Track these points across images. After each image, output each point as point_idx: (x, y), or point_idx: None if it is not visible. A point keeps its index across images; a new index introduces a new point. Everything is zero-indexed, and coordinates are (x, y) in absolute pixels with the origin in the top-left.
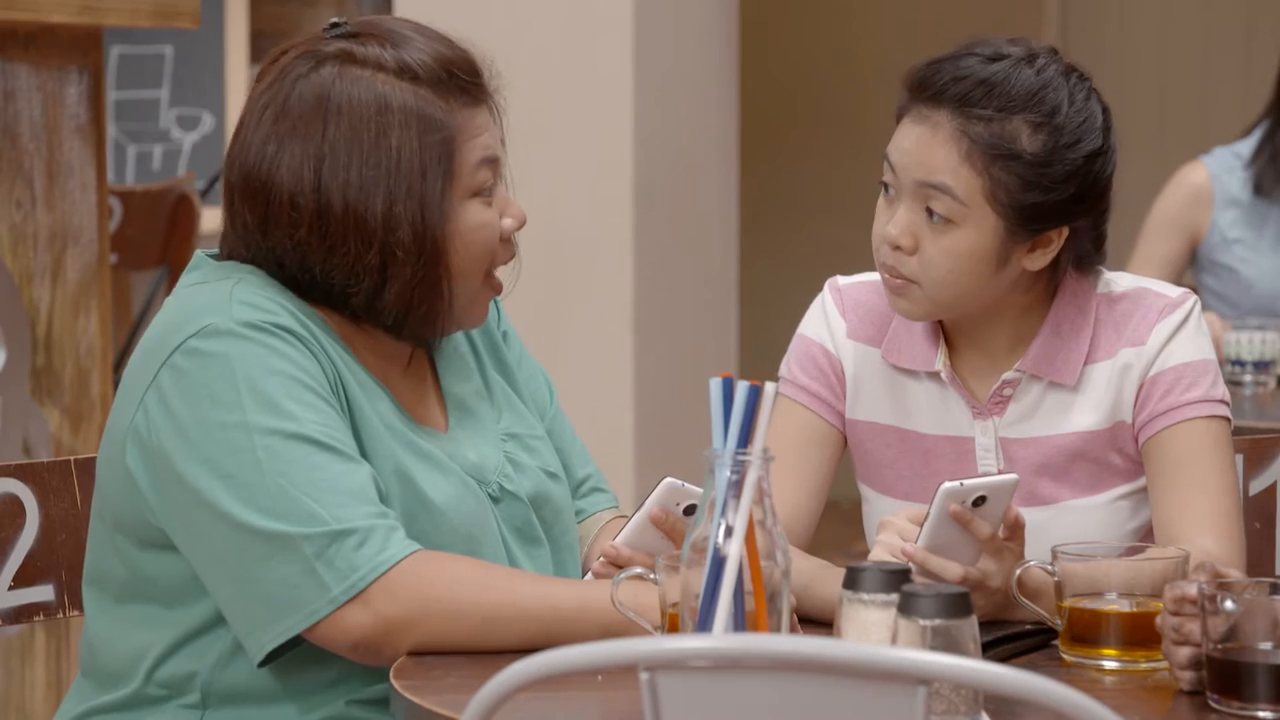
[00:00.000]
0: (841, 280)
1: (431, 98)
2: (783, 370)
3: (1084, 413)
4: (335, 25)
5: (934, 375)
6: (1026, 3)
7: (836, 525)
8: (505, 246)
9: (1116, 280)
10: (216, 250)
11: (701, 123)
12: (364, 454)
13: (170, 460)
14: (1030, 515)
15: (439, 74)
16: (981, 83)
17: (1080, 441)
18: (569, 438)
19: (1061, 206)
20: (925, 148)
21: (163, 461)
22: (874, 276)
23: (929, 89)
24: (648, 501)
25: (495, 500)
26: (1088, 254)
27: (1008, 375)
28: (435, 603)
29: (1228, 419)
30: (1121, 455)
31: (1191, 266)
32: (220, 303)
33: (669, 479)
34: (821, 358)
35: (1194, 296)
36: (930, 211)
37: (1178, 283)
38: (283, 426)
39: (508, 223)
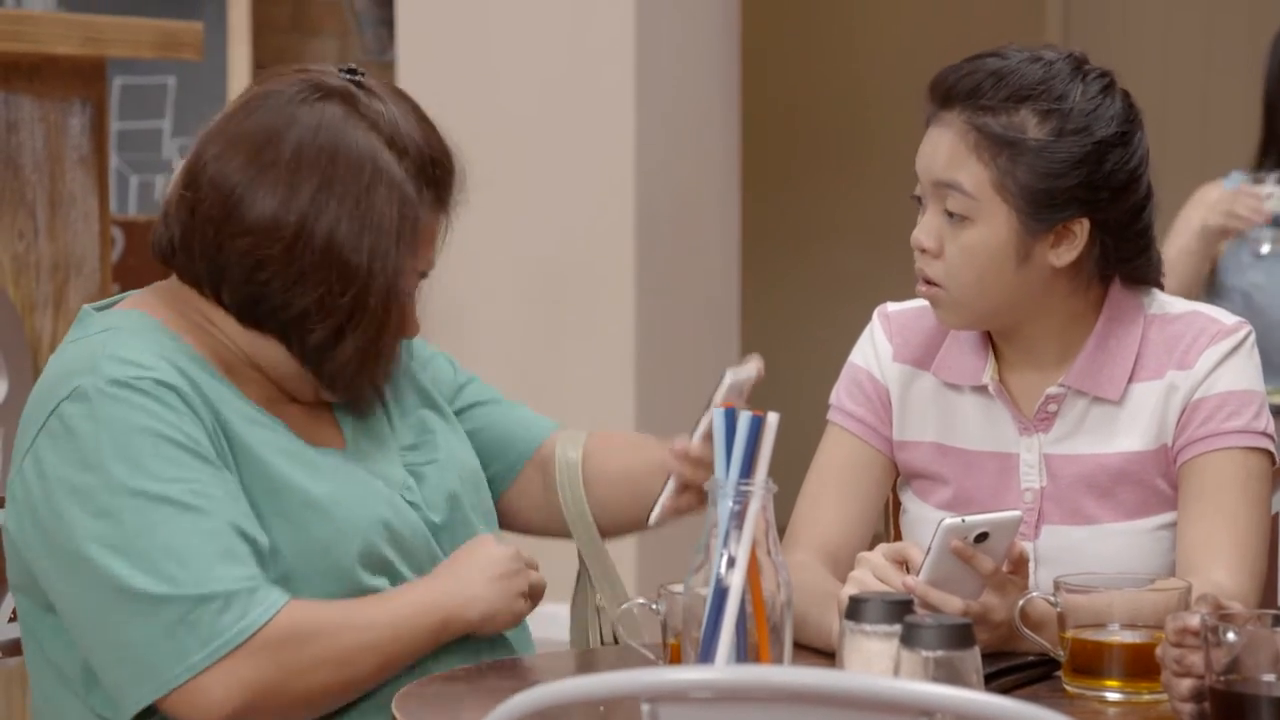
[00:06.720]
0: (890, 307)
1: (408, 180)
2: (833, 398)
3: (1130, 434)
4: (352, 70)
5: (981, 389)
6: (1029, 13)
7: None
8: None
9: (1172, 303)
10: (99, 302)
11: (703, 149)
12: (244, 481)
13: (42, 524)
14: (1071, 533)
15: (423, 161)
16: (990, 74)
17: (1125, 462)
18: (490, 395)
19: (1073, 194)
20: (938, 147)
21: (37, 525)
22: (922, 301)
23: (940, 90)
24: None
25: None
26: (1129, 258)
27: (1052, 390)
28: (290, 664)
29: (1269, 453)
30: (1168, 481)
31: (1205, 293)
32: (89, 361)
33: None
34: (867, 384)
35: (1248, 325)
36: (949, 212)
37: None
38: (147, 488)
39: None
